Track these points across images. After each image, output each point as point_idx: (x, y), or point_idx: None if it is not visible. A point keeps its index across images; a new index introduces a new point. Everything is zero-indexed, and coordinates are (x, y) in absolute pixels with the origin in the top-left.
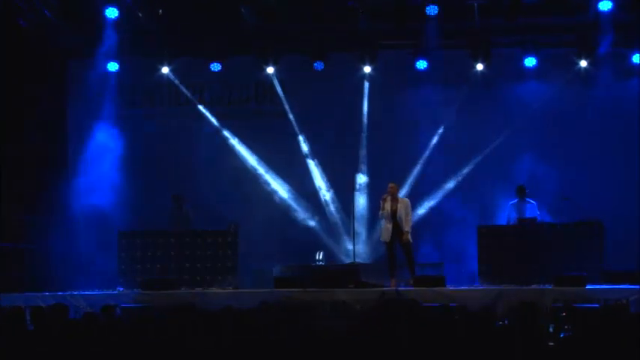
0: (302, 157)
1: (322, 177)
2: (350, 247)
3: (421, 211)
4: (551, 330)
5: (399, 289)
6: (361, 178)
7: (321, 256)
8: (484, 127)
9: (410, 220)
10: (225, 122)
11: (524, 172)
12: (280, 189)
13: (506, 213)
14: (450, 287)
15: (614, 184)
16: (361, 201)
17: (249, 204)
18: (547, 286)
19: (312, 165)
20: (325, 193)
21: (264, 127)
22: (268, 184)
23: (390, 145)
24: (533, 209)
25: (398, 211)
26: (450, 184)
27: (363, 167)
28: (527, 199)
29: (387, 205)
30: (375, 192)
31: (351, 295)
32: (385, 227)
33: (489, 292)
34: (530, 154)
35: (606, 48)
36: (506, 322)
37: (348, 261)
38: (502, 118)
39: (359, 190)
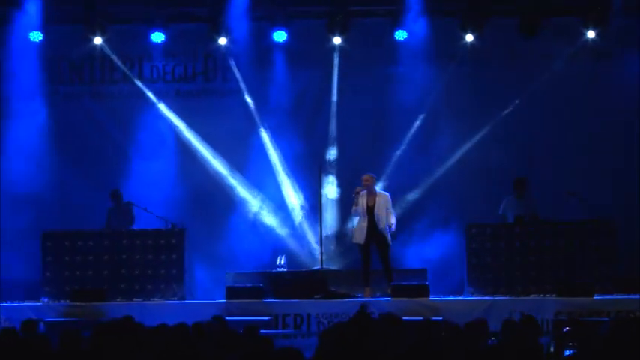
0: (261, 145)
1: (284, 167)
2: (317, 250)
3: (401, 207)
4: (552, 349)
5: (375, 299)
6: (331, 169)
7: (282, 261)
8: (475, 109)
9: (393, 217)
10: (169, 103)
11: (522, 163)
12: (235, 182)
13: (499, 211)
14: (434, 298)
15: (628, 176)
16: (331, 196)
17: (197, 200)
18: (548, 296)
19: (273, 153)
20: (288, 187)
21: (215, 109)
22: (221, 177)
23: (365, 129)
24: (533, 207)
25: (375, 207)
26: (436, 176)
27: (333, 156)
28: (527, 195)
29: (362, 201)
30: (347, 185)
31: (318, 307)
32: (359, 227)
33: (480, 304)
34: (529, 142)
35: (618, 16)
36: (499, 338)
37: (314, 267)
38: (496, 98)
39: (328, 183)
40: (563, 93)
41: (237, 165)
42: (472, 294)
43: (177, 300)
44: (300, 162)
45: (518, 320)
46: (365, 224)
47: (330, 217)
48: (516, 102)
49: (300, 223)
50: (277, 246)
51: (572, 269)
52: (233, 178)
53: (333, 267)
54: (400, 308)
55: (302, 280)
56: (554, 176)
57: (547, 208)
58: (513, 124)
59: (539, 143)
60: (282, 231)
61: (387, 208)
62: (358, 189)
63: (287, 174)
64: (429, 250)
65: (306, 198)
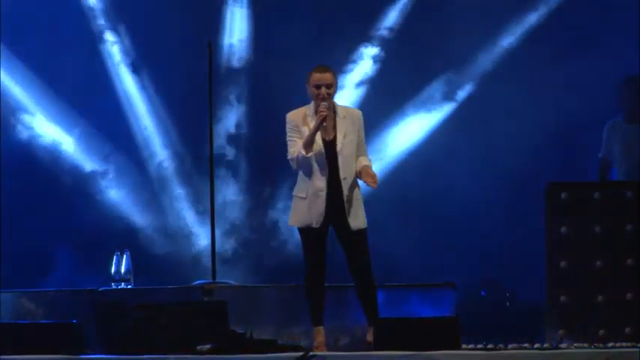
0: (111, 67)
1: (150, 107)
2: (205, 246)
3: (388, 172)
4: None
5: (337, 355)
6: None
7: (123, 268)
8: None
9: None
10: None
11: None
12: (51, 127)
13: (602, 150)
14: (471, 347)
15: None
16: (230, 154)
17: None
18: None
19: (131, 84)
20: (154, 138)
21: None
22: (27, 115)
23: (291, 34)
24: None
25: (339, 144)
26: (451, 107)
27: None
28: None
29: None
30: (257, 140)
31: None
32: (311, 191)
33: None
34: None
35: None
36: None
37: (198, 280)
38: None
39: (230, 135)
40: None
41: (59, 86)
42: (560, 340)
43: None
44: (184, 96)
45: None
46: (323, 185)
47: (231, 193)
48: None
49: (171, 197)
50: (121, 235)
51: None
52: (52, 120)
53: (238, 282)
54: None
55: (174, 311)
56: None
57: None
58: None
59: None
60: (134, 208)
61: (360, 140)
62: (324, 106)
63: (147, 99)
64: (457, 243)
65: (184, 143)
